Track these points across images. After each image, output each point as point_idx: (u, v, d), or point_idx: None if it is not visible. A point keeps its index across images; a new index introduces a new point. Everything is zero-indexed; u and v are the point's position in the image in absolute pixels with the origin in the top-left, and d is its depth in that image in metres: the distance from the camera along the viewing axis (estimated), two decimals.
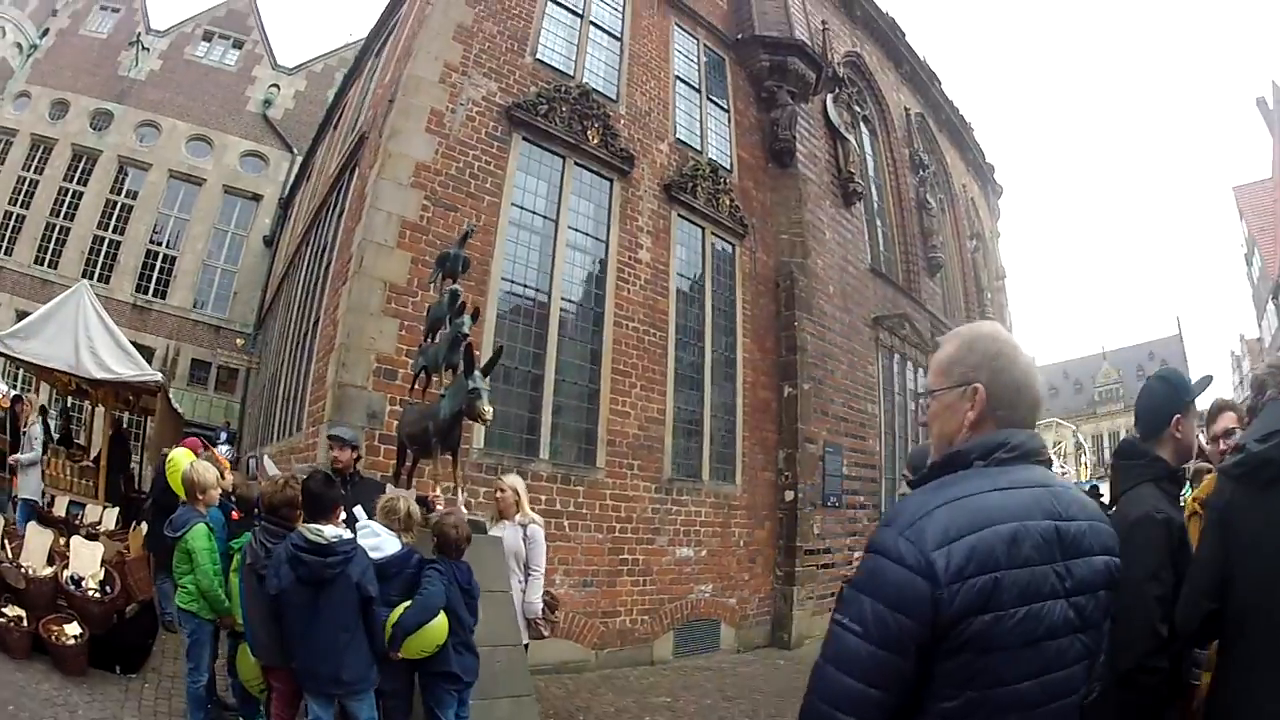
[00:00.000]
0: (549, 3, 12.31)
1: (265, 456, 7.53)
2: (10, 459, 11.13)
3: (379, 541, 4.62)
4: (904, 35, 22.86)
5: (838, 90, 18.17)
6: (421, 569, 4.66)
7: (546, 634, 6.76)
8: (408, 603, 4.47)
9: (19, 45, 26.91)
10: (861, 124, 19.85)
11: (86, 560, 6.99)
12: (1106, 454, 63.70)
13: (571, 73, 12.19)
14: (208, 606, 5.48)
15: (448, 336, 6.79)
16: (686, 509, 11.81)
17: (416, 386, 7.67)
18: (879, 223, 19.86)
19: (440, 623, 4.50)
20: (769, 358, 14.15)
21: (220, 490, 6.11)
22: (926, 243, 21.49)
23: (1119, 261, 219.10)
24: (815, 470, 14.04)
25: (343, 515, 4.70)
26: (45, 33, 27.42)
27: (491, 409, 5.94)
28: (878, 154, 21.00)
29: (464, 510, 6.12)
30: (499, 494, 6.76)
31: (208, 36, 29.10)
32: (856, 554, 14.70)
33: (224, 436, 18.35)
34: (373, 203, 9.57)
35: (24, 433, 11.32)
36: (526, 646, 6.34)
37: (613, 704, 8.66)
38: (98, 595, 6.75)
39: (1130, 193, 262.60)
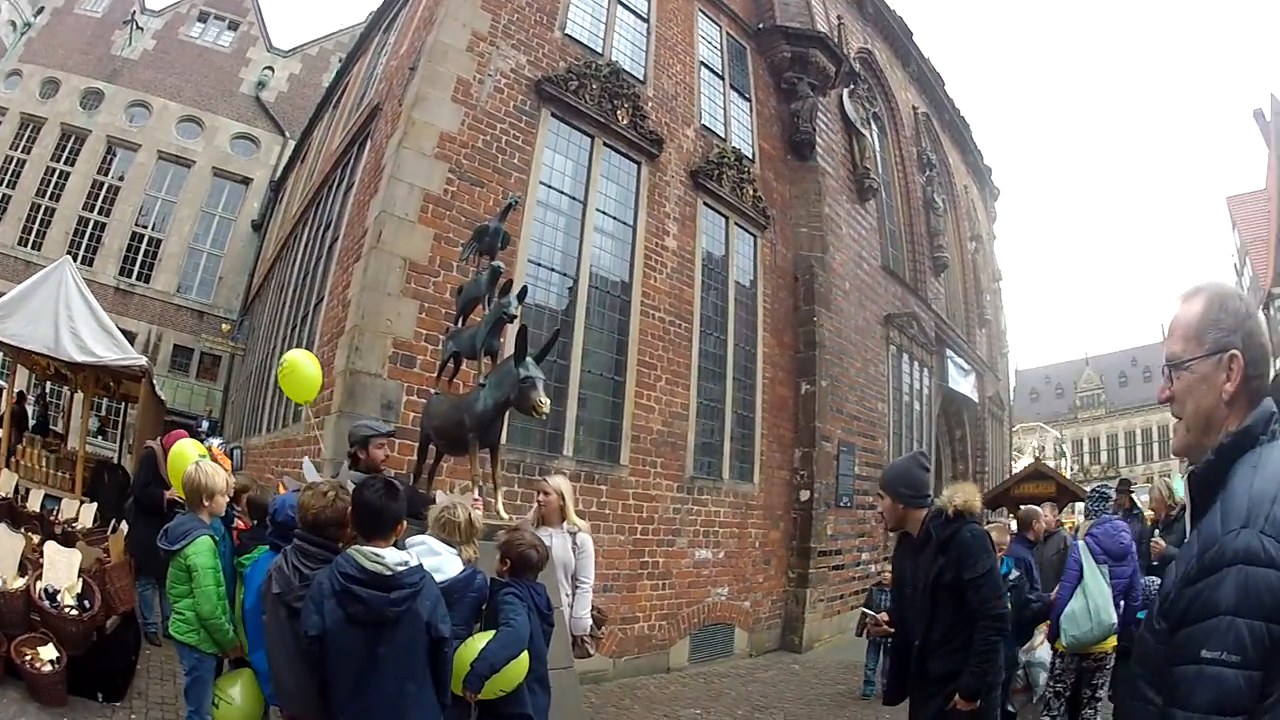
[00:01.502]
0: None
1: (306, 459, 6.78)
2: None
3: (439, 561, 3.78)
4: (912, 34, 22.58)
5: (853, 85, 17.84)
6: (487, 593, 3.96)
7: (593, 652, 6.16)
8: (485, 635, 3.76)
9: (13, 23, 26.16)
10: (872, 121, 19.46)
11: (62, 570, 5.98)
12: (1087, 459, 64.36)
13: (600, 50, 11.68)
14: (209, 638, 4.56)
15: (489, 318, 6.21)
16: (706, 509, 11.40)
17: (444, 375, 7.10)
18: (887, 220, 19.51)
19: (524, 657, 3.80)
20: (787, 353, 13.79)
21: (227, 496, 5.16)
22: (933, 242, 21.31)
23: (1106, 269, 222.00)
24: (830, 470, 13.74)
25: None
26: (40, 10, 26.61)
27: (548, 400, 5.41)
28: (887, 151, 20.71)
29: (526, 520, 5.62)
30: (542, 497, 6.01)
31: (203, 17, 28.37)
32: (865, 555, 14.55)
33: (206, 425, 17.61)
34: (393, 173, 8.91)
35: None
36: None
37: (643, 718, 8.22)
38: (76, 612, 5.79)
39: (1120, 201, 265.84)
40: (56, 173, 24.32)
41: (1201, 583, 1.58)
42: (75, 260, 13.36)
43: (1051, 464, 38.35)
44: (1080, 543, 6.20)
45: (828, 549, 13.39)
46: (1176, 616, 1.63)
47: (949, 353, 21.07)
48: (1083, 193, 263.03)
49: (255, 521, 5.31)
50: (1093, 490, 7.56)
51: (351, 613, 3.17)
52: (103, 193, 24.62)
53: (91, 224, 24.29)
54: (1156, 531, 7.35)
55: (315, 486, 3.90)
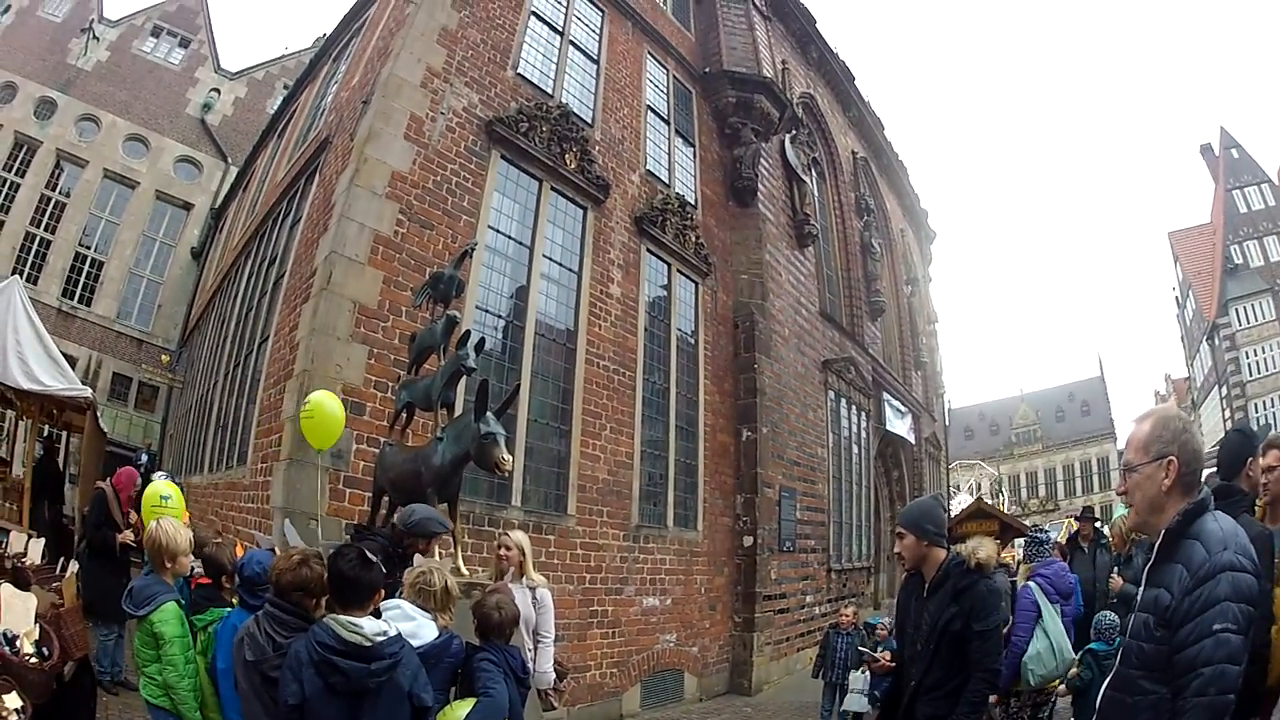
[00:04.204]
0: (531, 16, 11.78)
1: (286, 521, 6.53)
2: None
3: (414, 627, 3.66)
4: (854, 79, 23.01)
5: (795, 131, 18.05)
6: (463, 657, 3.84)
7: (558, 706, 6.08)
8: (463, 703, 3.67)
9: None
10: (812, 166, 19.69)
11: (19, 614, 5.54)
12: (1025, 494, 65.56)
13: (551, 91, 11.65)
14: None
15: (445, 369, 6.14)
16: (653, 557, 11.32)
17: (397, 425, 6.94)
18: (825, 266, 19.74)
19: None
20: (727, 400, 13.82)
21: (190, 557, 4.93)
22: (870, 287, 21.60)
23: (1043, 306, 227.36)
24: (772, 515, 13.78)
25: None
26: (7, 9, 25.22)
27: (510, 457, 5.30)
28: (826, 197, 21.00)
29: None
30: (503, 552, 5.93)
31: (156, 32, 27.53)
32: (809, 597, 14.60)
33: (145, 459, 17.05)
34: (344, 212, 8.62)
35: None
36: None
37: None
38: (36, 660, 5.35)
39: (1057, 240, 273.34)
40: (7, 184, 23.26)
41: (1200, 588, 2.27)
42: (21, 278, 12.89)
43: (989, 500, 39.12)
44: (1033, 584, 6.30)
45: (772, 593, 13.44)
46: (1181, 616, 2.28)
47: (886, 395, 21.38)
48: (1019, 231, 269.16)
49: (212, 580, 5.00)
50: (1032, 535, 7.65)
51: (332, 682, 3.10)
52: (49, 208, 23.67)
53: (38, 240, 23.33)
54: (1115, 568, 7.42)
55: (290, 551, 3.83)
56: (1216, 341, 42.42)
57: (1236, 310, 41.26)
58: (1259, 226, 41.96)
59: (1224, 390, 41.68)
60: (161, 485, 6.24)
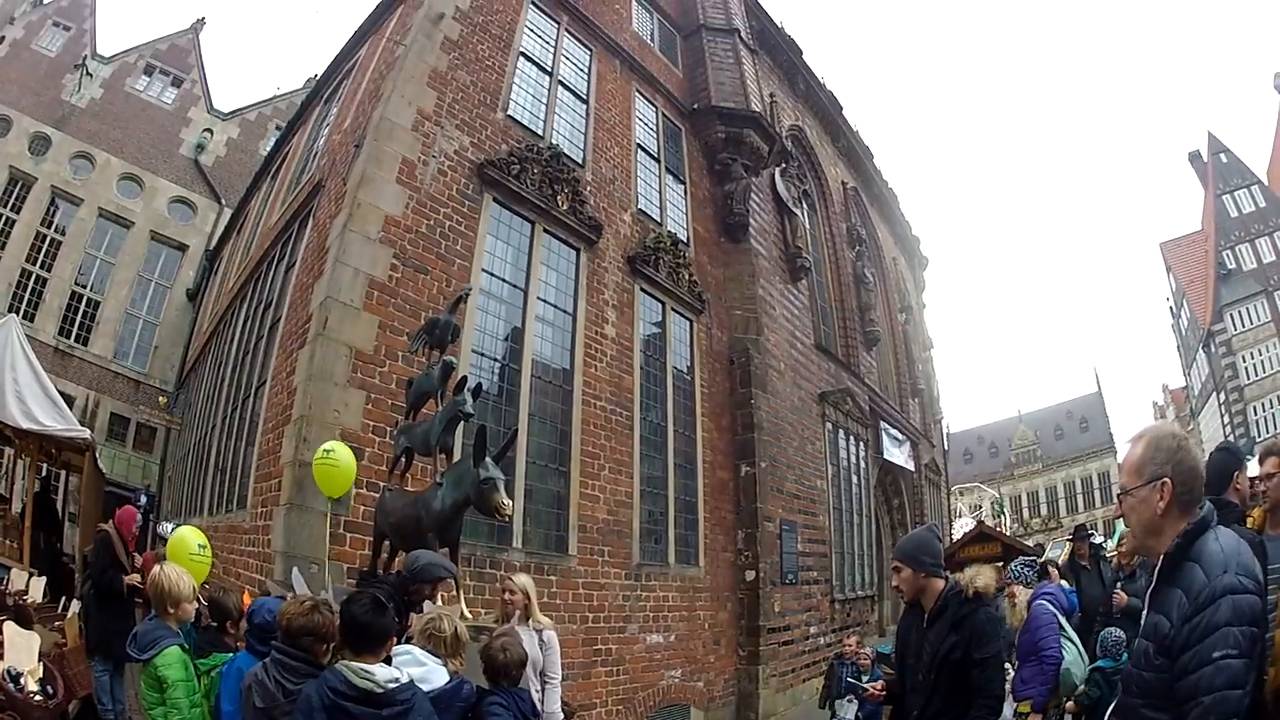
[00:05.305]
0: (520, 57, 11.90)
1: (295, 569, 6.55)
2: None
3: (425, 672, 3.67)
4: (842, 109, 23.22)
5: (785, 164, 18.18)
6: (474, 702, 3.86)
7: None
8: None
9: None
10: (802, 198, 19.81)
11: (22, 652, 5.81)
12: (1026, 513, 65.38)
13: (541, 132, 11.74)
14: None
15: (443, 415, 6.15)
16: (655, 594, 11.27)
17: (396, 470, 6.94)
18: (819, 298, 19.82)
19: None
20: (725, 436, 13.82)
21: (195, 603, 4.89)
22: (864, 317, 21.67)
23: (1037, 325, 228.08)
24: (774, 549, 13.76)
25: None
26: (0, 40, 25.36)
27: (510, 501, 5.31)
28: (817, 229, 21.14)
29: (468, 617, 5.46)
30: (508, 595, 5.86)
31: (149, 70, 27.63)
32: (813, 628, 14.65)
33: (144, 500, 17.04)
34: (339, 257, 8.62)
35: None
36: None
37: None
38: (40, 698, 5.56)
39: (1048, 257, 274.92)
40: (3, 219, 23.19)
41: (1200, 615, 2.18)
42: (17, 315, 12.87)
43: (990, 522, 39.08)
44: (1043, 602, 6.37)
45: (776, 625, 13.39)
46: (1180, 645, 2.21)
47: (883, 425, 21.41)
48: (1011, 251, 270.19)
49: (215, 624, 5.05)
50: (1027, 560, 7.69)
51: None
52: (45, 246, 23.59)
53: (33, 278, 23.20)
54: (1119, 584, 7.43)
55: (299, 597, 3.88)
56: (1213, 348, 42.42)
57: (1231, 315, 41.19)
58: (1251, 229, 41.86)
59: (1222, 396, 41.61)
60: (197, 534, 6.24)
